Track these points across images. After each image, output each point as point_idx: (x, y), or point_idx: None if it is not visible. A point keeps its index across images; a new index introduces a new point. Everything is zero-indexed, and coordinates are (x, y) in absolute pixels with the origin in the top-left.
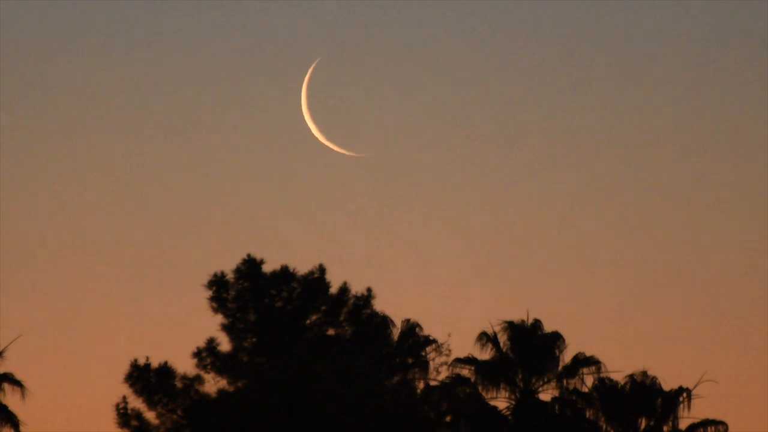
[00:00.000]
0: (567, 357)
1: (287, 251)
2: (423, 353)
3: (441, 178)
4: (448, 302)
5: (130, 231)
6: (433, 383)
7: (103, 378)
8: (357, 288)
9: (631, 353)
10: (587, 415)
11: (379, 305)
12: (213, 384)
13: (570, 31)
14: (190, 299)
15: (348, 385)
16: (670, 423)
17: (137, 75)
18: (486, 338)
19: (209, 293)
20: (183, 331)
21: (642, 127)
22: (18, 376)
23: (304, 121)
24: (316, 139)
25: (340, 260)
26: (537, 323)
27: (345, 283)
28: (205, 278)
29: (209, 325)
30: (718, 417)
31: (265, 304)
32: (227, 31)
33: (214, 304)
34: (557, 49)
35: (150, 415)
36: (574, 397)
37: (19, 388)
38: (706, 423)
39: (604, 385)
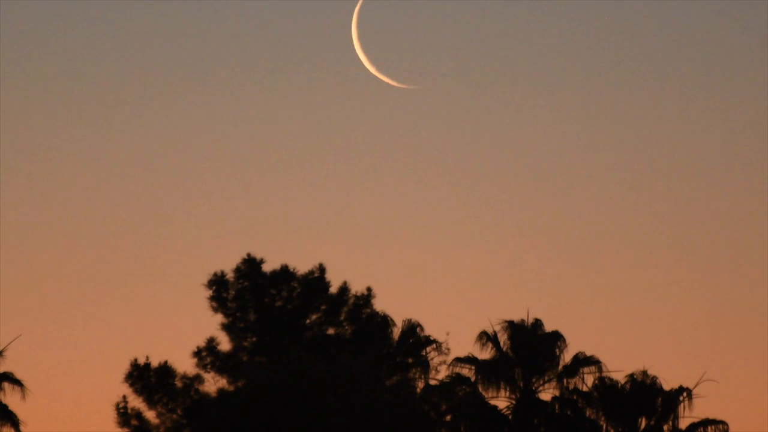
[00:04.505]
0: (567, 356)
1: (287, 250)
2: (423, 353)
3: (440, 177)
4: (448, 301)
5: (130, 230)
6: (433, 383)
7: (103, 377)
8: (357, 287)
9: (632, 353)
10: (587, 415)
11: (380, 305)
12: (213, 383)
13: (576, 26)
14: (190, 298)
15: (348, 384)
16: (671, 422)
17: (141, 61)
18: (486, 337)
19: (209, 293)
20: (183, 330)
21: (643, 127)
22: (18, 375)
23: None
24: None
25: (340, 260)
26: (537, 322)
27: (345, 283)
28: (205, 277)
29: (209, 325)
30: (719, 416)
31: (265, 303)
32: None
33: (214, 304)
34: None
35: (150, 415)
36: (574, 397)
37: (19, 388)
38: (706, 422)
39: (605, 384)
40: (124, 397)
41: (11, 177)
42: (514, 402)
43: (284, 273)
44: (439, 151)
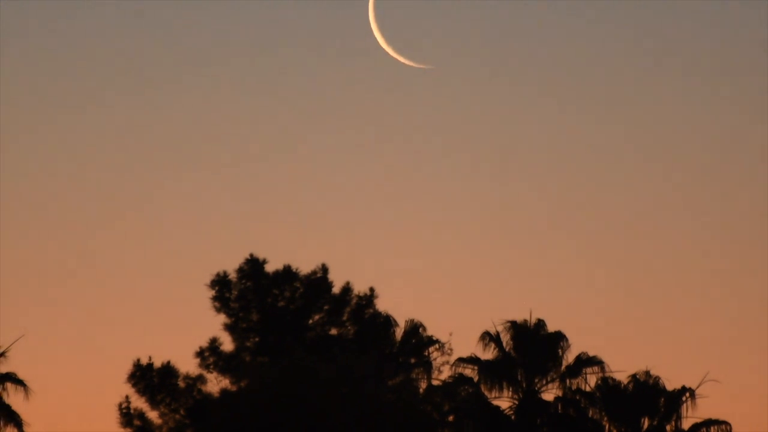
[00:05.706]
0: (570, 357)
1: (290, 251)
2: (426, 353)
3: (440, 178)
4: (451, 302)
5: (132, 230)
6: (435, 383)
7: (106, 377)
8: (360, 287)
9: (634, 353)
10: (590, 415)
11: (382, 305)
12: (215, 384)
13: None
14: (193, 299)
15: (350, 384)
16: (673, 423)
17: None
18: (489, 338)
19: (212, 293)
20: (186, 330)
21: (644, 127)
22: (21, 375)
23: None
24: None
25: (342, 260)
26: (540, 323)
27: (348, 283)
28: (208, 278)
29: (212, 325)
30: (721, 417)
31: (268, 303)
32: None
33: (216, 304)
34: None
35: (153, 415)
36: (577, 397)
37: (22, 388)
38: (709, 423)
39: (607, 384)
40: (127, 397)
41: (13, 177)
42: (516, 402)
43: (287, 273)
44: (439, 151)
